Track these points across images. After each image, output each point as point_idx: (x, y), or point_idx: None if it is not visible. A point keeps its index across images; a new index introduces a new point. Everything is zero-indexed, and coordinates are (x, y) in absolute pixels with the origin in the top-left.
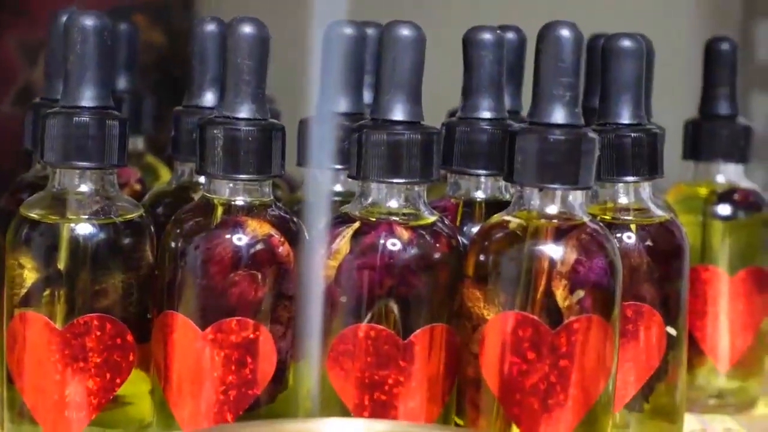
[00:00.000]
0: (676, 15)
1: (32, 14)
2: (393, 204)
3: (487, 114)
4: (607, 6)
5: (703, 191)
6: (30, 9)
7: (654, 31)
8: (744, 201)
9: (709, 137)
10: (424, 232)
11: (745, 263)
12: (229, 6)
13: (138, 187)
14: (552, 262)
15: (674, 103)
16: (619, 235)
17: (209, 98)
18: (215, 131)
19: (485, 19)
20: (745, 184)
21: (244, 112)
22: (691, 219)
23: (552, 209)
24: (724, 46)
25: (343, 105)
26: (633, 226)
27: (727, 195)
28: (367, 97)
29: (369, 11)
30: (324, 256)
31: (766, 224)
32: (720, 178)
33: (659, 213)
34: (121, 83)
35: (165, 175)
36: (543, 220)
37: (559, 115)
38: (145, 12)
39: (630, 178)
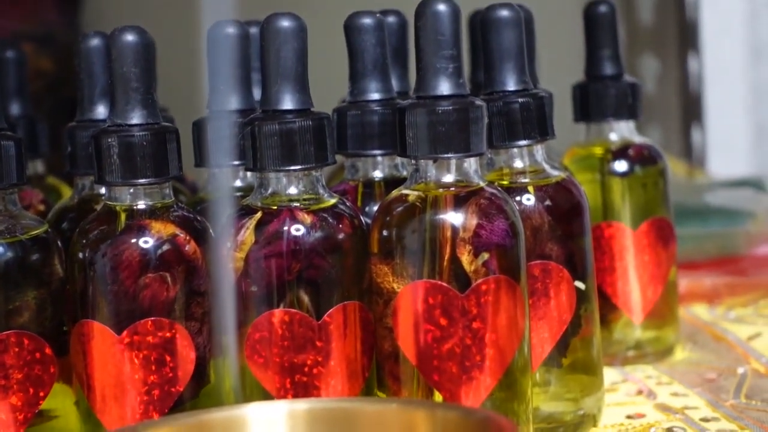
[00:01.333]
0: None
1: None
2: (292, 191)
3: (375, 95)
4: None
5: (598, 150)
6: None
7: (533, 1)
8: (639, 155)
9: (597, 98)
10: (325, 215)
11: (647, 216)
12: (113, 24)
13: (42, 207)
14: (454, 229)
15: (561, 69)
16: (518, 198)
17: (101, 111)
18: (109, 140)
19: (365, 7)
20: (638, 139)
21: (136, 118)
22: (588, 178)
23: (448, 178)
24: (603, 8)
25: (234, 103)
26: (531, 188)
27: (621, 151)
28: (257, 93)
29: (251, 12)
30: (230, 249)
31: (662, 175)
32: (613, 136)
33: (555, 173)
34: (15, 109)
35: (67, 194)
36: (441, 190)
37: (444, 87)
38: (32, 41)
39: (522, 142)
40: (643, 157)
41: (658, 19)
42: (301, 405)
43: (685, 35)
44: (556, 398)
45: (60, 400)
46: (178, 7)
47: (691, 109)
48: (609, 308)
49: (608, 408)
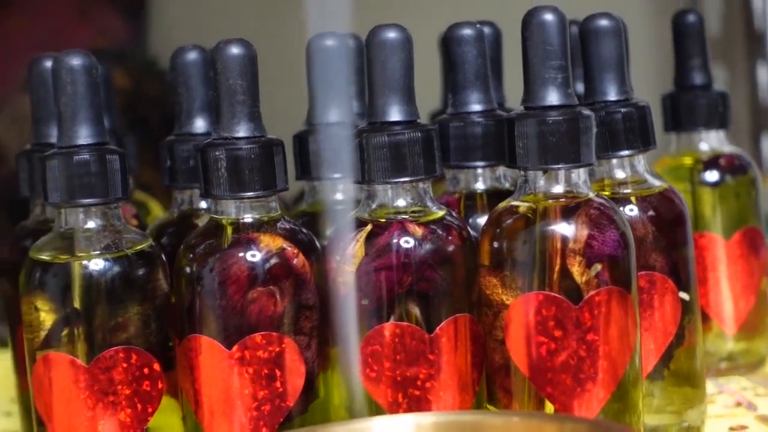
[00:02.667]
0: None
1: None
2: (401, 203)
3: (477, 107)
4: None
5: (688, 161)
6: None
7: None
8: (730, 165)
9: (688, 108)
10: (435, 227)
11: (738, 226)
12: (181, 41)
13: (135, 222)
14: (565, 240)
15: (641, 78)
16: (621, 208)
17: (200, 125)
18: (217, 153)
19: (447, 19)
20: (728, 148)
21: (242, 131)
22: (679, 188)
23: (558, 189)
24: (692, 18)
25: (334, 115)
26: (633, 198)
27: (712, 161)
28: (355, 106)
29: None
30: (339, 262)
31: (753, 184)
32: (703, 146)
33: (657, 183)
34: None
35: (155, 209)
36: (550, 201)
37: (553, 97)
38: (105, 58)
39: (624, 153)
40: (734, 167)
41: (726, 30)
42: (427, 418)
43: (753, 45)
44: (660, 411)
45: (166, 416)
46: (241, 22)
47: (760, 118)
48: (702, 319)
49: (709, 420)
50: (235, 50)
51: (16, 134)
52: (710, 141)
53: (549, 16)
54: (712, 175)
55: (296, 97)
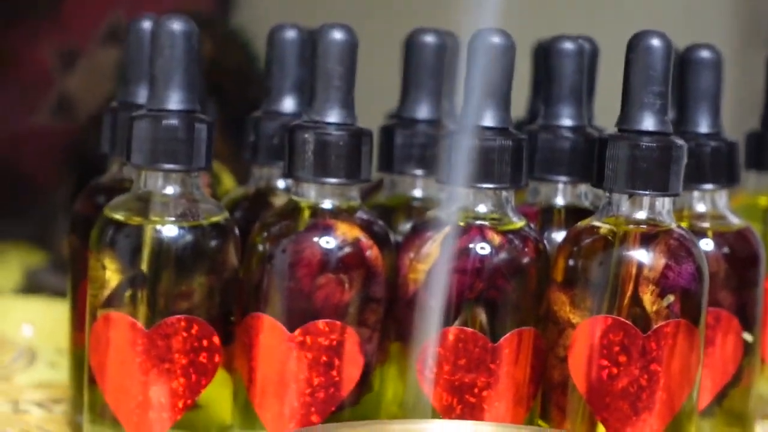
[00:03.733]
0: (705, 30)
1: (65, 22)
2: (482, 208)
3: (568, 122)
4: (628, 16)
5: (763, 201)
6: (63, 17)
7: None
8: None
9: None
10: (513, 237)
11: None
12: (266, 13)
13: (208, 189)
14: (641, 267)
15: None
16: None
17: (288, 104)
18: (306, 135)
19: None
20: None
21: (333, 116)
22: None
23: (640, 215)
24: None
25: (423, 112)
26: (710, 233)
27: None
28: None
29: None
30: (413, 259)
31: None
32: None
33: (736, 221)
34: None
35: (227, 180)
36: (631, 226)
37: (649, 123)
38: None
39: (708, 186)
40: None
41: None
42: (485, 428)
43: None
44: None
45: (218, 389)
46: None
47: None
48: None
49: None
50: (337, 35)
51: (90, 88)
52: None
53: (656, 42)
54: None
55: (376, 86)
